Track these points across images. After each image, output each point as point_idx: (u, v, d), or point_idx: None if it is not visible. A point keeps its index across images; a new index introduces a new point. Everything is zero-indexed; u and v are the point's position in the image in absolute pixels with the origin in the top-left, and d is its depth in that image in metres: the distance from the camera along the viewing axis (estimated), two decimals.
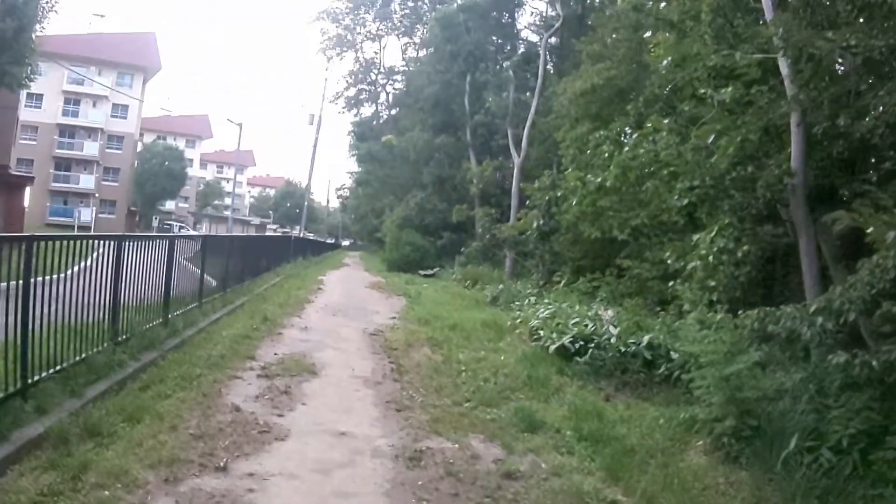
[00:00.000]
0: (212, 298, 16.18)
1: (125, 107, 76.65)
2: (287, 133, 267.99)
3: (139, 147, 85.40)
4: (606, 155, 16.67)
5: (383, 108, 78.80)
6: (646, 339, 12.21)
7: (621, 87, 26.23)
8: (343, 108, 79.78)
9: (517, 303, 21.15)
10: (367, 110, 79.89)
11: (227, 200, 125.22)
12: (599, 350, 12.35)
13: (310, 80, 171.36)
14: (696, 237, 13.67)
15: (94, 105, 76.18)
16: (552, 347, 12.80)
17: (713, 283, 12.22)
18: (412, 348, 14.16)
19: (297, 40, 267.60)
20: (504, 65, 47.01)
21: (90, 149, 75.54)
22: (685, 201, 14.40)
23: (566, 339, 12.78)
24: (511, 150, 38.48)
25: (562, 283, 22.49)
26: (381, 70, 78.16)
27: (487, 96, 43.88)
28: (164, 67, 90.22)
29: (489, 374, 11.77)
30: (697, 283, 12.46)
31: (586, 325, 13.31)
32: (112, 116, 77.18)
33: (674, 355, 11.49)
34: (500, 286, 26.64)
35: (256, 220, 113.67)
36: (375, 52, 79.18)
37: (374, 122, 75.85)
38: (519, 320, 16.92)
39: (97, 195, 74.79)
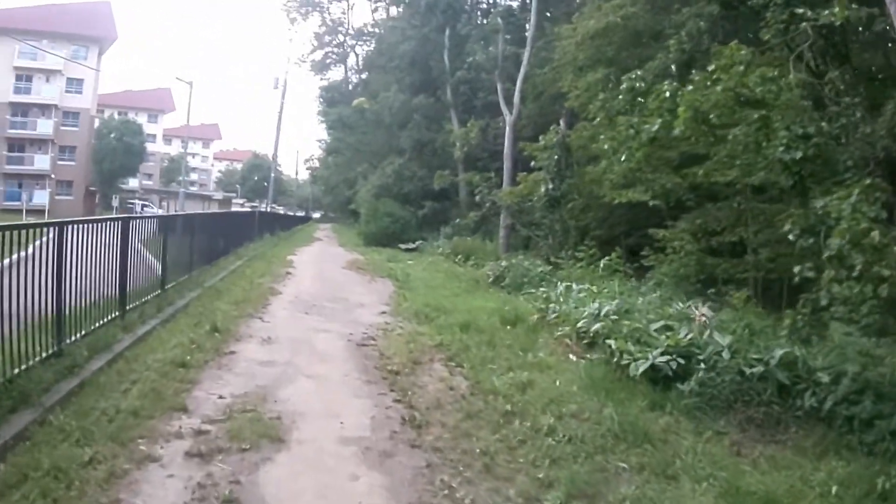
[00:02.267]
0: (142, 302, 11.85)
1: (80, 81, 71.63)
2: (254, 105, 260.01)
3: (96, 123, 79.83)
4: (667, 94, 12.48)
5: (352, 72, 74.34)
6: (778, 354, 8.22)
7: (637, 29, 22.36)
8: (310, 71, 75.48)
9: (542, 288, 16.94)
10: (335, 74, 75.49)
11: (194, 176, 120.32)
12: (710, 372, 8.31)
13: (275, 48, 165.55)
14: (820, 203, 9.63)
15: (47, 80, 70.72)
16: (639, 369, 8.67)
17: (887, 273, 8.07)
18: (420, 368, 10.00)
19: (261, 5, 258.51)
20: (486, 18, 42.69)
21: (44, 127, 70.35)
22: (797, 154, 10.40)
23: (657, 356, 8.67)
24: (501, 108, 34.20)
25: (585, 260, 18.27)
26: (350, 31, 73.52)
27: (470, 50, 39.65)
28: (120, 37, 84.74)
29: (551, 417, 7.70)
30: (861, 271, 8.30)
31: (678, 334, 9.21)
32: (67, 91, 71.71)
33: (822, 378, 7.79)
34: (503, 263, 22.52)
35: (219, 195, 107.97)
36: (343, 12, 74.65)
37: (344, 87, 71.23)
38: (554, 314, 12.86)
39: (53, 176, 69.88)
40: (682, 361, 8.59)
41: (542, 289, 17.01)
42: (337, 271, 24.37)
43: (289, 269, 22.68)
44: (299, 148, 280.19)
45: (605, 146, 14.15)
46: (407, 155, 44.27)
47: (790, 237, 9.63)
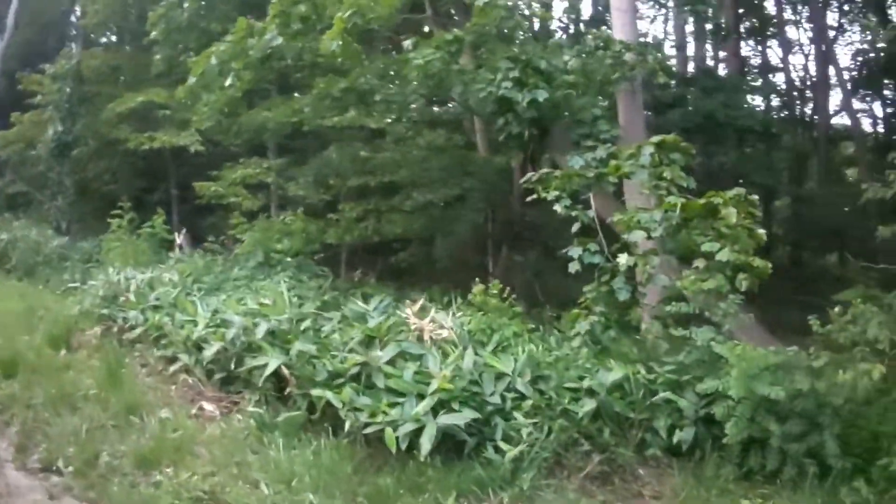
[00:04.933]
0: None
1: None
2: None
3: None
4: None
5: None
6: (609, 378, 5.78)
7: None
8: None
9: (77, 275, 12.91)
10: None
11: None
12: (526, 424, 5.45)
13: None
14: (578, 162, 7.23)
15: None
16: (421, 443, 5.14)
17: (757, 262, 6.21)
18: None
19: None
20: None
21: None
22: (541, 94, 8.13)
23: (426, 411, 5.32)
24: None
25: (124, 229, 13.79)
26: None
27: None
28: None
29: None
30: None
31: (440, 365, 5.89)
32: None
33: (680, 403, 5.78)
34: (2, 235, 16.69)
35: None
36: None
37: None
38: (137, 326, 8.75)
39: None
40: (471, 418, 5.33)
41: (74, 274, 13.10)
42: None
43: None
44: None
45: (213, 60, 9.83)
46: None
47: (558, 208, 7.04)
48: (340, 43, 8.46)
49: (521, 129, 8.54)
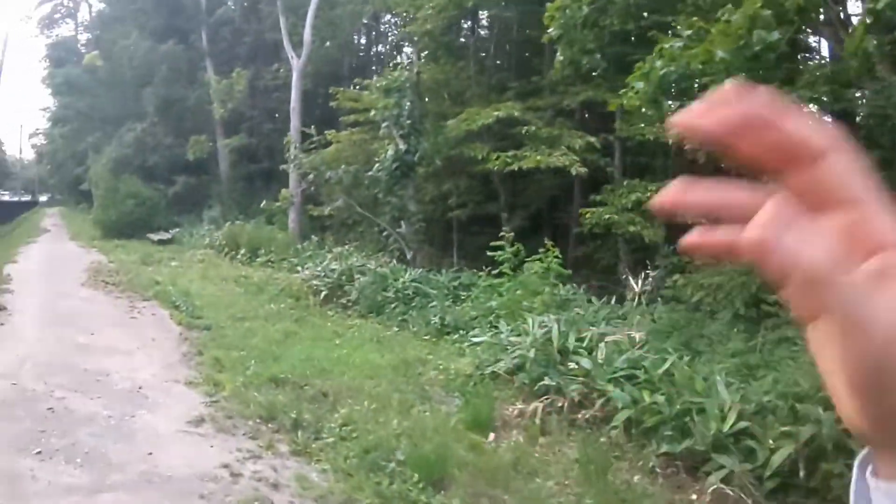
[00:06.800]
0: None
1: None
2: None
3: None
4: None
5: (82, 28, 61.49)
6: None
7: None
8: (37, 28, 61.86)
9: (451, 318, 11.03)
10: (65, 31, 62.43)
11: None
12: None
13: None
14: None
15: None
16: None
17: None
18: None
19: None
20: None
21: None
22: None
23: None
24: (286, 49, 26.27)
25: (509, 263, 11.81)
26: None
27: None
28: None
29: None
30: None
31: None
32: None
33: None
34: (333, 265, 14.76)
35: None
36: None
37: (73, 44, 58.68)
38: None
39: None
40: None
41: (444, 317, 11.13)
42: (76, 292, 15.35)
43: (2, 298, 13.81)
44: (25, 122, 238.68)
45: (719, 54, 7.02)
46: (150, 118, 34.61)
47: None
48: None
49: None
